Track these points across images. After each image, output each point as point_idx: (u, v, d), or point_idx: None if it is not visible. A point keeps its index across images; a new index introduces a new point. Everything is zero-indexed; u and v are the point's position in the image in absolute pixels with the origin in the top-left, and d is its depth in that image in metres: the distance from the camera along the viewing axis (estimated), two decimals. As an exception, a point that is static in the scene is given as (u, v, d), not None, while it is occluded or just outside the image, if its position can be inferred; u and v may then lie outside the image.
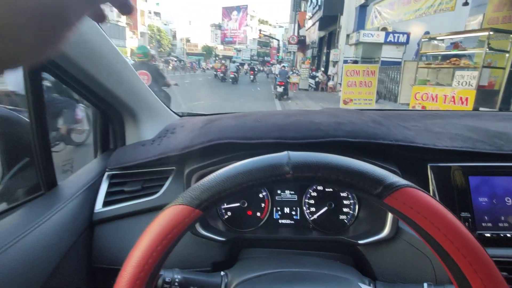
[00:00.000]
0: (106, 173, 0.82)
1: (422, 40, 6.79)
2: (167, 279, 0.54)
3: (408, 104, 6.96)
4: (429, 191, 0.64)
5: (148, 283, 0.35)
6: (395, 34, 12.91)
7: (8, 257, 0.54)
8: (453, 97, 5.65)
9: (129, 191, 0.78)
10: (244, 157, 0.40)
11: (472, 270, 0.32)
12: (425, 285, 0.52)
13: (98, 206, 0.77)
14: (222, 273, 0.60)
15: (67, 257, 0.66)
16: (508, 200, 0.67)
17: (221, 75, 18.66)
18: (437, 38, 6.73)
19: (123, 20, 38.28)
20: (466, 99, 5.42)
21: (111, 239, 0.74)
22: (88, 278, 0.73)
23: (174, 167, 0.80)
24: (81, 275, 0.71)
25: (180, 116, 1.16)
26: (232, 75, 17.49)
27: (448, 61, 6.06)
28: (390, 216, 0.67)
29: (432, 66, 6.54)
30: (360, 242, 0.69)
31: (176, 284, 0.54)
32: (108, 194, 0.79)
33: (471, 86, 5.41)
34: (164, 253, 0.36)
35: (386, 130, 0.75)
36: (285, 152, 0.38)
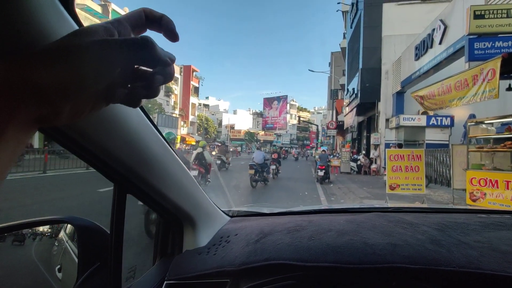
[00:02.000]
0: (165, 282, 0.85)
1: (469, 124, 6.64)
2: None
3: (464, 190, 6.42)
4: None
5: None
6: (437, 118, 12.80)
7: None
8: (517, 183, 5.15)
9: None
10: (299, 277, 0.41)
11: None
12: None
13: None
14: None
15: None
16: None
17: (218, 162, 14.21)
18: (485, 122, 6.55)
19: (176, 112, 43.46)
20: (533, 185, 4.90)
21: None
22: None
23: (228, 280, 0.81)
24: None
25: (231, 216, 1.21)
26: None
27: (502, 144, 5.74)
28: None
29: (485, 150, 6.21)
30: None
31: None
32: None
33: (536, 171, 4.95)
34: None
35: (447, 253, 0.71)
36: None
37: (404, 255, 0.70)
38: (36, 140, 19.34)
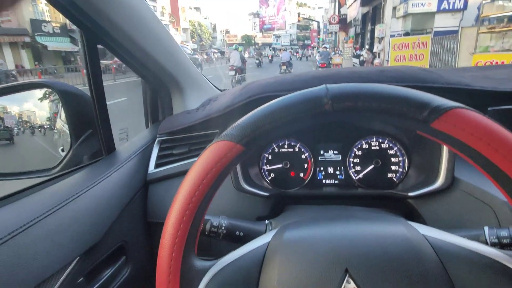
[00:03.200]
0: (157, 139, 0.88)
1: (484, 2, 6.03)
2: (214, 223, 0.56)
3: (467, 76, 6.27)
4: None
5: (195, 221, 0.37)
6: (449, 0, 11.61)
7: (78, 204, 0.62)
8: (524, 62, 4.97)
9: (177, 153, 0.83)
10: None
11: None
12: (486, 228, 0.48)
13: (151, 167, 0.83)
14: (266, 221, 0.62)
15: (127, 210, 0.73)
16: None
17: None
18: (503, -3, 5.93)
19: (166, 18, 39.85)
20: (540, 63, 4.73)
21: (162, 196, 0.81)
22: (144, 231, 0.80)
23: (218, 130, 0.83)
24: (139, 227, 0.78)
25: (222, 90, 1.20)
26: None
27: (517, 22, 5.32)
28: (444, 165, 0.62)
29: (497, 30, 5.80)
30: (410, 194, 0.65)
31: (223, 228, 0.57)
32: (159, 157, 0.85)
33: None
34: (209, 189, 0.37)
35: (437, 76, 0.69)
36: (323, 85, 0.37)
37: (391, 76, 0.68)
38: (26, 61, 18.46)
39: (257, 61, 20.32)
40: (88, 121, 0.85)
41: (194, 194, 0.37)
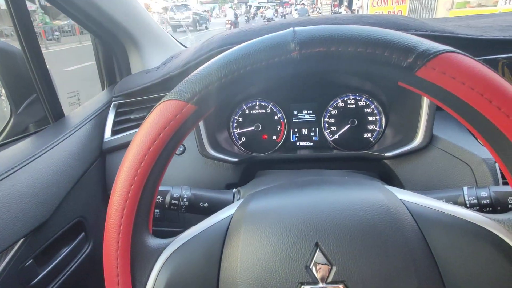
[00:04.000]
0: (113, 103, 0.78)
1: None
2: (175, 195, 0.51)
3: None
4: None
5: (145, 194, 0.32)
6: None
7: (17, 179, 0.54)
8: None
9: (135, 118, 0.75)
10: None
11: None
12: (465, 188, 0.45)
13: (107, 135, 0.74)
14: (234, 190, 0.57)
15: (82, 183, 0.66)
16: None
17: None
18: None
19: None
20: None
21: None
22: (105, 205, 0.73)
23: None
24: (98, 201, 0.72)
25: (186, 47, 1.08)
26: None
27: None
28: (423, 122, 0.59)
29: (474, -16, 5.72)
30: (387, 154, 0.62)
31: (185, 200, 0.51)
32: (115, 123, 0.76)
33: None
34: (159, 157, 0.31)
35: (420, 23, 0.62)
36: (289, 29, 0.30)
37: (370, 22, 0.61)
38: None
39: (246, 18, 24.62)
40: (32, 84, 0.74)
41: (140, 165, 0.30)
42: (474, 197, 0.44)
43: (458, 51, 0.26)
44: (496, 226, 0.28)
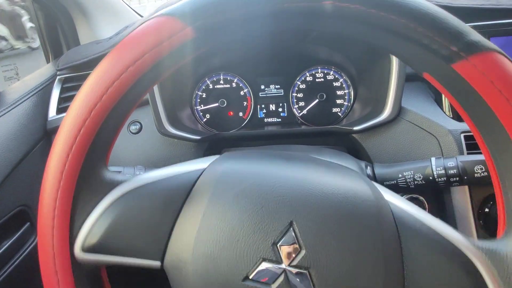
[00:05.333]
0: (57, 77, 0.69)
1: None
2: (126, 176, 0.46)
3: None
4: None
5: (95, 147, 0.27)
6: None
7: None
8: None
9: None
10: None
11: None
12: (433, 159, 0.44)
13: (52, 113, 0.66)
14: None
15: (23, 168, 0.58)
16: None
17: None
18: None
19: None
20: None
21: None
22: None
23: None
24: None
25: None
26: None
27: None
28: (392, 95, 0.57)
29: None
30: (355, 128, 0.60)
31: None
32: (61, 99, 0.68)
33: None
34: (134, 92, 0.26)
35: None
36: None
37: None
38: None
39: None
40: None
41: (106, 91, 0.25)
42: (441, 167, 0.43)
43: (505, 54, 0.23)
44: (476, 253, 0.25)
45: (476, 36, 0.22)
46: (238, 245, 0.26)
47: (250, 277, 0.25)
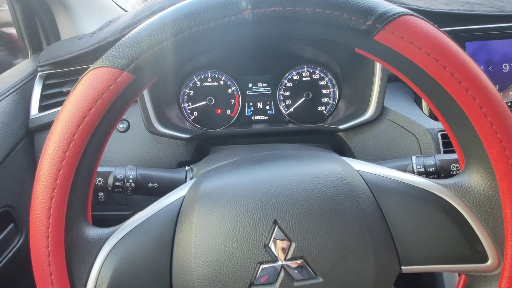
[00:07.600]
0: (39, 73, 0.67)
1: None
2: (118, 176, 0.46)
3: None
4: None
5: (79, 177, 0.27)
6: None
7: None
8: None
9: (68, 91, 0.65)
10: None
11: (481, 113, 0.25)
12: (413, 158, 0.47)
13: (34, 111, 0.64)
14: (186, 168, 0.53)
15: (5, 168, 0.57)
16: (505, 66, 0.60)
17: None
18: None
19: None
20: None
21: None
22: None
23: None
24: (28, 187, 0.63)
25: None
26: None
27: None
28: (375, 95, 0.59)
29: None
30: (340, 127, 0.62)
31: (131, 181, 0.47)
32: (43, 97, 0.66)
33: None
34: (93, 134, 0.26)
35: None
36: None
37: None
38: None
39: None
40: None
41: (68, 146, 0.26)
42: (421, 166, 0.46)
43: (416, 14, 0.25)
44: (443, 191, 0.29)
45: (385, 6, 0.25)
46: (233, 257, 0.27)
47: (255, 283, 0.27)
